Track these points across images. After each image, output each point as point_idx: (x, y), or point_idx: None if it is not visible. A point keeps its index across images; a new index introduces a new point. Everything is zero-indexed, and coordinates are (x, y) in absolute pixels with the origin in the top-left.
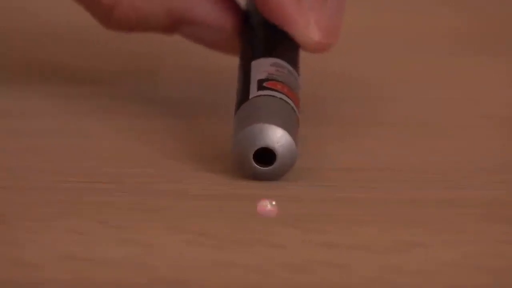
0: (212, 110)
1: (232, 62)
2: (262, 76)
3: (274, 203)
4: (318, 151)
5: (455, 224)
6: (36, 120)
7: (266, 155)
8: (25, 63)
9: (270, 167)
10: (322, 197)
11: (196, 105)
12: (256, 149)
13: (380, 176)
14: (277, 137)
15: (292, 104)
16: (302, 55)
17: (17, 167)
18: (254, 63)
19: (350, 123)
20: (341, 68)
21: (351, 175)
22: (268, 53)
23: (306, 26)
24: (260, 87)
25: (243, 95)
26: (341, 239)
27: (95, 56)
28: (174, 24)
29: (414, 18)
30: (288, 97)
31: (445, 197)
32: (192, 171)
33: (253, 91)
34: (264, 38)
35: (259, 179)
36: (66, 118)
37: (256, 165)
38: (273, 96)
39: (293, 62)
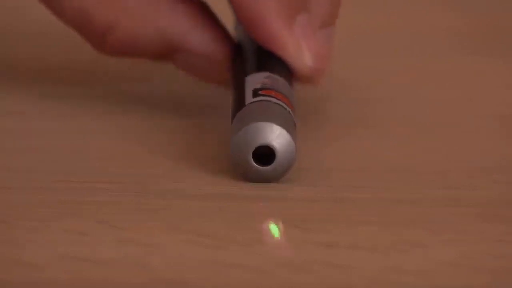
0: (211, 110)
1: None
2: (257, 86)
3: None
4: (316, 152)
5: (455, 224)
6: (36, 120)
7: (264, 157)
8: (25, 63)
9: (270, 166)
10: (321, 197)
11: (195, 105)
12: (254, 147)
13: (379, 176)
14: (275, 134)
15: (289, 109)
16: None
17: (17, 167)
18: (248, 78)
19: (348, 124)
20: (340, 69)
21: (351, 175)
22: (261, 69)
23: (298, 51)
24: (255, 94)
25: (239, 104)
26: (341, 239)
27: (95, 56)
28: (167, 50)
29: (412, 17)
30: (284, 103)
31: (445, 197)
32: (192, 171)
33: (248, 99)
34: (257, 60)
35: (260, 180)
36: (66, 118)
37: (255, 164)
38: (269, 101)
39: (287, 79)
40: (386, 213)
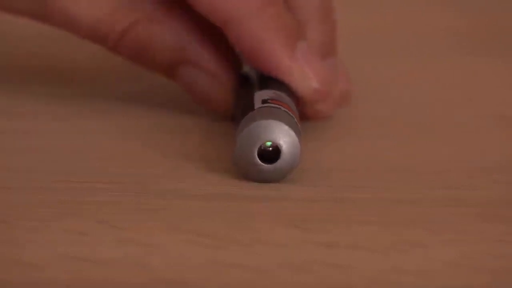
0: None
1: None
2: (265, 97)
3: None
4: (316, 152)
5: (455, 224)
6: (37, 120)
7: (269, 158)
8: (25, 63)
9: (273, 165)
10: (321, 197)
11: (195, 105)
12: (260, 143)
13: (379, 176)
14: (282, 133)
15: (295, 120)
16: None
17: (17, 167)
18: (256, 94)
19: (349, 124)
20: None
21: (351, 175)
22: (269, 87)
23: (303, 75)
24: (264, 102)
25: (247, 110)
26: (341, 239)
27: (95, 56)
28: (177, 58)
29: (411, 17)
30: (291, 113)
31: (445, 197)
32: (192, 171)
33: (257, 106)
34: (263, 84)
35: (262, 180)
36: (66, 118)
37: (260, 162)
38: (278, 108)
39: (294, 102)
40: (386, 213)
